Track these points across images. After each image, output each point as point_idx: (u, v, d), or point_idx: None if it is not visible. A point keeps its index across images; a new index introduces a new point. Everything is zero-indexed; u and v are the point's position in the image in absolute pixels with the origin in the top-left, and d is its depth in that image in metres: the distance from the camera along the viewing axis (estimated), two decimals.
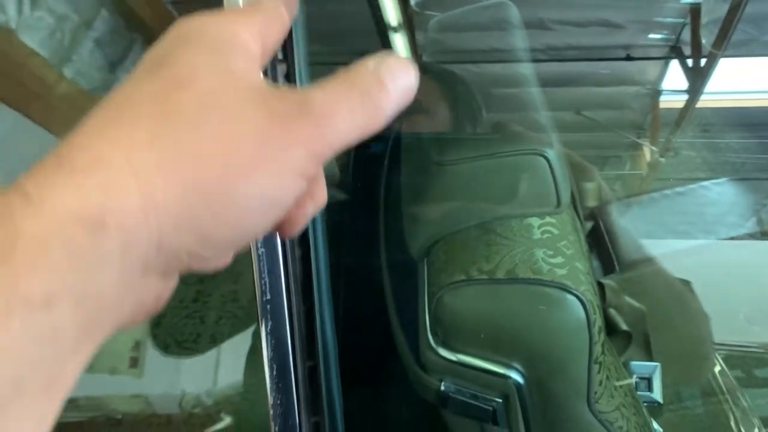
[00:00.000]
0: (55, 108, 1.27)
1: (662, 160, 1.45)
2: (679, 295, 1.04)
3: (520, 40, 0.85)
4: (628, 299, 1.19)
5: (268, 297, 0.32)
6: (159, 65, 0.25)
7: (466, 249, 0.62)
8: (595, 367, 0.60)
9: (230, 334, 0.95)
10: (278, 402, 0.34)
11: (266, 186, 0.25)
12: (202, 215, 0.23)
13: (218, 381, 0.87)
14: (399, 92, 0.28)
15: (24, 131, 1.14)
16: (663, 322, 1.14)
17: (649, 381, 1.09)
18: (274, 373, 0.34)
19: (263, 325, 0.33)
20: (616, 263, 1.05)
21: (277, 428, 0.35)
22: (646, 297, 1.18)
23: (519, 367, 0.60)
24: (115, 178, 0.22)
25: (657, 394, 1.08)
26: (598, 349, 0.59)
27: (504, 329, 0.59)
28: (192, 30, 0.27)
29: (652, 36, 1.54)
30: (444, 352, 0.63)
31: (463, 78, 0.96)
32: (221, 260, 0.26)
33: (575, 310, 0.57)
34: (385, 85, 0.28)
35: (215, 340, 0.95)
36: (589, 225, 1.17)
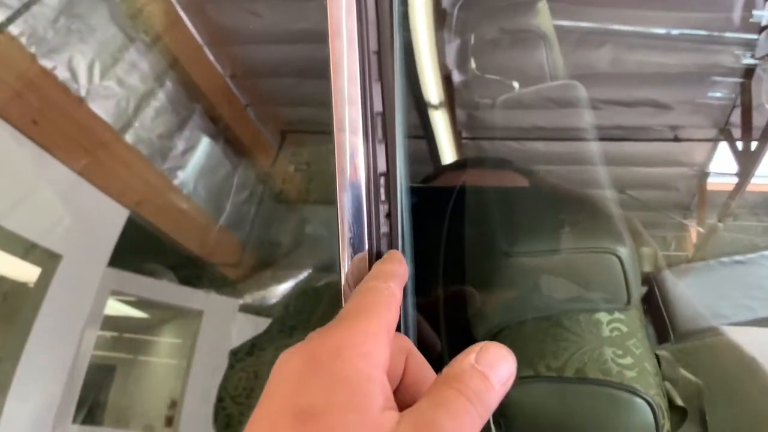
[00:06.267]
0: (114, 171, 1.32)
1: (720, 225, 1.42)
2: (746, 368, 0.99)
3: (588, 119, 0.86)
4: (684, 372, 1.15)
5: None
6: (303, 421, 0.27)
7: (533, 341, 0.61)
8: None
9: None
10: None
11: None
12: None
13: None
14: (503, 384, 0.31)
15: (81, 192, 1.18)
16: (723, 397, 1.10)
17: None
18: None
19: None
20: (671, 332, 1.02)
21: None
22: (703, 370, 1.13)
23: None
24: None
25: None
26: None
27: (570, 430, 0.57)
28: (326, 372, 0.29)
29: (700, 117, 1.54)
30: None
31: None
32: None
33: (644, 415, 0.56)
34: (491, 383, 0.30)
35: None
36: (644, 289, 1.14)
